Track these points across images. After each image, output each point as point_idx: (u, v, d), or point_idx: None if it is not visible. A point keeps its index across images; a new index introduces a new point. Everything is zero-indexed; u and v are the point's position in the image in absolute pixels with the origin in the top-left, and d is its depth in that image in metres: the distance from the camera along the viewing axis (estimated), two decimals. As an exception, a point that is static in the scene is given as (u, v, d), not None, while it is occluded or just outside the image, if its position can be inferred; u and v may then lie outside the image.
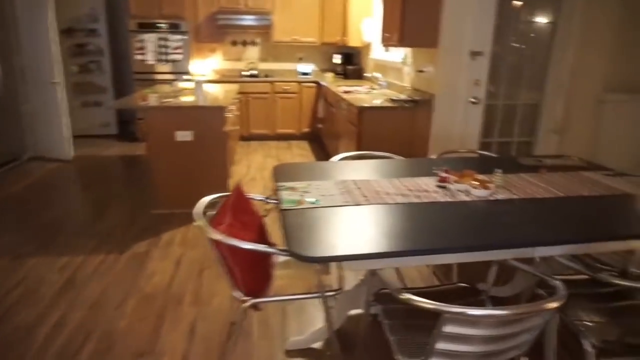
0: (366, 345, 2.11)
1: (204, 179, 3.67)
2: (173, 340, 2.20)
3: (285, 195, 1.92)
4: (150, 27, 5.86)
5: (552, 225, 1.67)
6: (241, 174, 4.83)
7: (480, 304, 1.76)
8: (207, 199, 1.95)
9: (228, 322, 2.30)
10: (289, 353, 2.12)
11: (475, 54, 3.60)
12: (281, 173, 2.24)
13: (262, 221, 2.09)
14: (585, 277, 1.95)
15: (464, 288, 1.88)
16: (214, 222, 1.82)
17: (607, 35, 3.56)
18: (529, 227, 1.65)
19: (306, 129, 6.51)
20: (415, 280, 2.75)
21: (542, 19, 3.83)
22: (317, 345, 2.16)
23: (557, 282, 1.36)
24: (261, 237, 2.00)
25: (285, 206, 1.79)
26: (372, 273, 1.72)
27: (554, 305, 1.23)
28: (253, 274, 1.84)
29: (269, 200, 2.16)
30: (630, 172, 2.45)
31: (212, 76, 6.44)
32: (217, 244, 1.71)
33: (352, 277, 2.23)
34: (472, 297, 1.81)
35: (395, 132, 3.87)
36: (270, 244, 1.93)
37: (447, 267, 2.77)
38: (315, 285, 1.79)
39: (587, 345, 1.63)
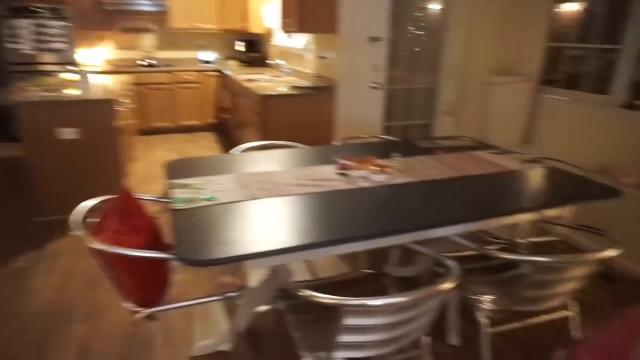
0: (273, 342, 2.05)
1: (95, 179, 3.35)
2: (61, 362, 1.97)
3: (177, 193, 1.77)
4: (24, 12, 5.20)
5: (446, 207, 1.71)
6: (141, 172, 4.50)
7: (384, 289, 1.77)
8: (87, 204, 1.75)
9: (126, 336, 2.11)
10: (195, 358, 1.99)
11: (373, 40, 3.65)
12: (175, 169, 2.08)
13: (155, 224, 1.93)
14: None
15: (368, 274, 1.88)
16: (97, 229, 1.64)
17: (492, 22, 3.80)
18: (425, 210, 1.68)
19: (211, 120, 6.25)
20: (325, 268, 2.73)
21: (434, 6, 3.98)
22: (225, 347, 2.06)
23: (451, 262, 1.39)
24: (154, 241, 1.83)
25: (175, 206, 1.65)
26: (274, 269, 1.65)
27: (447, 286, 1.25)
28: (146, 283, 1.69)
29: (161, 200, 2.00)
30: (515, 148, 2.63)
31: (103, 67, 5.91)
32: (100, 253, 1.54)
33: (257, 274, 2.15)
34: (376, 283, 1.82)
35: (300, 120, 3.82)
36: (166, 248, 1.78)
37: (354, 253, 2.79)
38: (217, 287, 1.68)
39: (482, 317, 1.71)
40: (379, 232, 1.51)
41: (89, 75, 4.51)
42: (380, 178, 1.95)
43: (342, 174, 2.02)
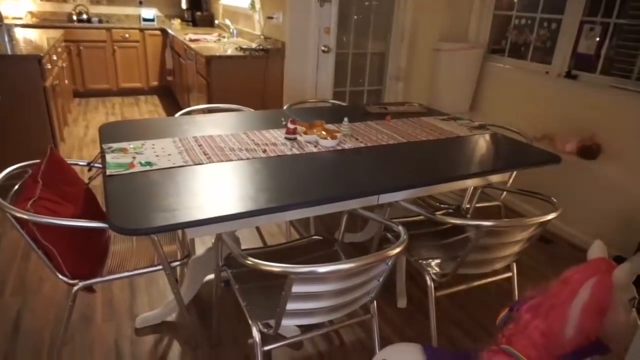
0: (221, 311, 2.00)
1: (23, 145, 3.08)
2: (-10, 340, 1.83)
3: (111, 158, 1.64)
4: None
5: (394, 173, 1.70)
6: (77, 137, 4.21)
7: (334, 256, 1.75)
8: (7, 170, 1.59)
9: (63, 310, 1.99)
10: (140, 331, 1.91)
11: (323, 1, 3.53)
12: (111, 133, 1.93)
13: (88, 192, 1.79)
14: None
15: (318, 240, 1.86)
16: (21, 198, 1.49)
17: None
18: (373, 175, 1.65)
19: (155, 83, 5.91)
20: (275, 235, 2.70)
21: (385, -33, 3.88)
22: (171, 318, 1.99)
23: (399, 228, 1.38)
24: (87, 209, 1.71)
25: (110, 171, 1.53)
26: (219, 237, 1.58)
27: (395, 251, 1.24)
28: (79, 254, 1.57)
29: (94, 165, 1.86)
30: (463, 115, 2.66)
31: (28, 20, 5.39)
32: (24, 224, 1.40)
33: (203, 243, 2.08)
34: (326, 249, 1.80)
35: (248, 83, 3.67)
36: (102, 217, 1.66)
37: (304, 219, 2.77)
38: (160, 257, 1.59)
39: (429, 280, 1.74)
40: (327, 198, 1.47)
41: (12, 29, 4.11)
42: (328, 143, 1.90)
43: (290, 139, 1.95)
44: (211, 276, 2.04)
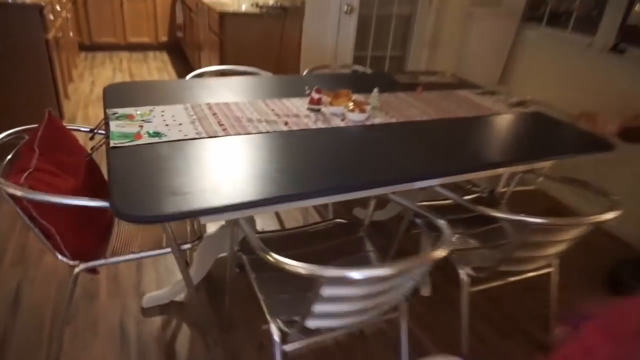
0: (233, 291, 1.87)
1: (23, 103, 2.90)
2: (-13, 313, 1.72)
3: (116, 127, 1.46)
4: None
5: (430, 155, 1.51)
6: (83, 94, 4.01)
7: (359, 243, 1.60)
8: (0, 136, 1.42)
9: (65, 284, 1.87)
10: (146, 311, 1.80)
11: (349, -45, 3.23)
12: (116, 95, 1.75)
13: (90, 162, 1.63)
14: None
15: (340, 225, 1.70)
16: (15, 169, 1.33)
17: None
18: (407, 158, 1.46)
19: (164, 38, 5.64)
20: (291, 212, 2.54)
21: None
22: (180, 298, 1.87)
23: (442, 222, 1.21)
24: (89, 182, 1.55)
25: (115, 142, 1.35)
26: (235, 222, 1.42)
27: (441, 254, 1.07)
28: (80, 232, 1.43)
29: (98, 132, 1.68)
30: (490, 86, 2.43)
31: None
32: (18, 199, 1.25)
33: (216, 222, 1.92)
34: (350, 235, 1.64)
35: (263, 43, 3.43)
36: (106, 190, 1.50)
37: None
38: (167, 238, 1.44)
39: (463, 275, 1.59)
40: (357, 185, 1.29)
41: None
42: (357, 117, 1.70)
43: (315, 110, 1.76)
44: (224, 254, 1.90)
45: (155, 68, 5.02)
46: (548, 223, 1.30)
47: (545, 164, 1.90)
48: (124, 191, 1.12)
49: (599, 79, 2.83)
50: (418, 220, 1.77)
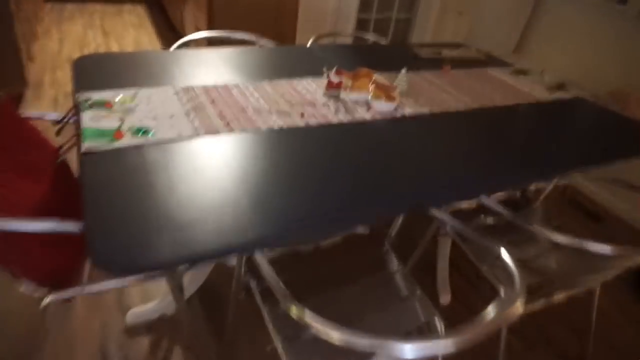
0: (237, 325, 1.62)
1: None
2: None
3: (89, 120, 1.15)
4: None
5: (478, 162, 1.25)
6: (51, 54, 3.56)
7: (384, 260, 1.36)
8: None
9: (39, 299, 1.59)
10: (131, 330, 1.54)
11: None
12: (88, 73, 1.41)
13: (62, 160, 1.31)
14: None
15: (362, 236, 1.45)
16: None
17: None
18: (453, 169, 1.20)
19: (141, -11, 5.10)
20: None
21: None
22: (171, 312, 1.61)
23: (507, 258, 0.97)
24: (59, 187, 1.24)
25: (87, 145, 1.05)
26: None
27: (517, 312, 0.84)
28: (46, 252, 1.14)
29: (69, 121, 1.36)
30: (507, 58, 2.15)
31: None
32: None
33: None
34: (374, 251, 1.39)
35: (257, 3, 3.03)
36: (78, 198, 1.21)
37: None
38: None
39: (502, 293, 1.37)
40: (396, 211, 1.03)
41: None
42: (385, 106, 1.42)
43: (333, 96, 1.46)
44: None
45: (130, 24, 4.53)
46: (619, 254, 1.08)
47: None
48: (101, 225, 0.83)
49: (632, 52, 2.57)
50: (449, 227, 1.53)
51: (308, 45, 2.02)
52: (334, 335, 0.76)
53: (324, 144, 1.20)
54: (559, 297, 1.45)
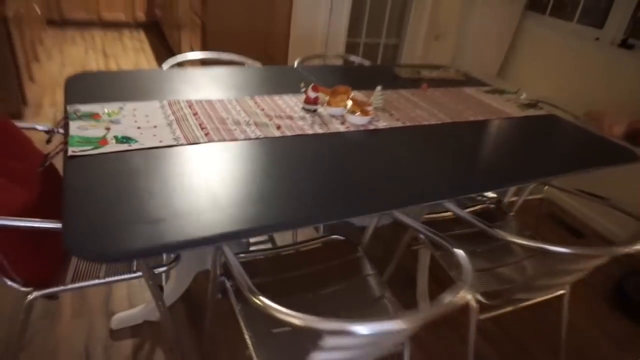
0: (215, 322, 1.67)
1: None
2: None
3: (77, 128, 1.23)
4: None
5: (444, 170, 1.32)
6: (51, 76, 3.69)
7: (358, 265, 1.41)
8: None
9: (24, 300, 1.64)
10: (116, 334, 1.59)
11: None
12: (80, 88, 1.50)
13: (49, 168, 1.39)
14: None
15: (338, 242, 1.51)
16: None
17: None
18: (420, 175, 1.28)
19: (141, 16, 5.28)
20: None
21: None
22: (155, 317, 1.66)
23: (461, 255, 1.03)
24: (45, 194, 1.31)
25: (73, 149, 1.13)
26: (218, 247, 1.22)
27: (463, 299, 0.90)
28: (33, 255, 1.20)
29: (59, 131, 1.44)
30: (491, 81, 2.25)
31: None
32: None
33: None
34: (348, 255, 1.45)
35: (250, 27, 3.17)
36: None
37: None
38: (138, 262, 1.23)
39: (471, 301, 1.43)
40: (364, 209, 1.10)
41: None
42: (359, 121, 1.50)
43: (310, 110, 1.55)
44: (205, 267, 1.69)
45: (131, 48, 4.68)
46: (578, 254, 1.14)
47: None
48: (79, 218, 0.90)
49: (606, 75, 2.68)
50: (421, 236, 1.59)
51: (295, 65, 2.13)
52: (294, 320, 0.82)
53: (298, 154, 1.27)
54: (526, 301, 1.51)
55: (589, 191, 1.59)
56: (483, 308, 1.44)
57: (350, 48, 3.48)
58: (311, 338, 0.87)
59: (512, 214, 1.82)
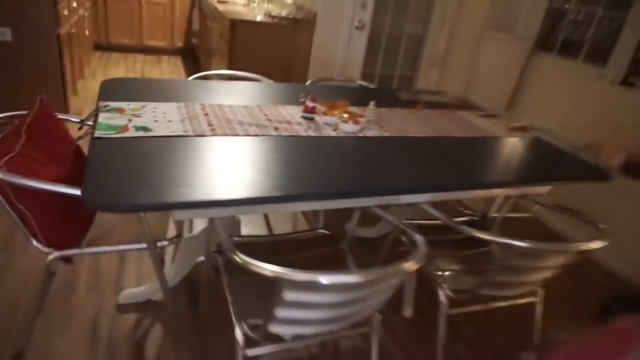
0: (213, 297, 1.84)
1: (29, 93, 2.94)
2: (-36, 297, 1.71)
3: (104, 118, 1.46)
4: None
5: (420, 171, 1.48)
6: (92, 91, 4.06)
7: (339, 255, 1.56)
8: (-10, 118, 1.43)
9: (46, 274, 1.86)
10: (122, 308, 1.77)
11: (363, -28, 3.26)
12: (112, 90, 1.76)
13: (77, 152, 1.63)
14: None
15: (325, 235, 1.67)
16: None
17: (494, -31, 3.45)
18: (396, 172, 1.44)
19: (180, 44, 5.72)
20: (281, 220, 2.52)
21: (434, -57, 3.57)
22: (157, 297, 1.84)
23: (418, 237, 1.18)
24: (74, 172, 1.54)
25: (99, 133, 1.35)
26: (212, 221, 1.41)
27: (410, 267, 1.04)
28: (57, 221, 1.42)
29: (87, 123, 1.69)
30: (499, 110, 2.40)
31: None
32: (-4, 181, 1.24)
33: (198, 224, 1.91)
34: (331, 246, 1.61)
35: (272, 54, 3.45)
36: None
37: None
38: (147, 234, 1.42)
39: (442, 296, 1.54)
40: (339, 193, 1.27)
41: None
42: (349, 128, 1.69)
43: (308, 118, 1.75)
44: (201, 258, 1.87)
45: (167, 71, 5.08)
46: (530, 247, 1.26)
47: (541, 190, 1.86)
48: (98, 179, 1.11)
49: (608, 111, 2.79)
50: (404, 238, 1.73)
51: (305, 84, 2.35)
52: (266, 271, 0.98)
53: (289, 149, 1.46)
54: (499, 301, 1.61)
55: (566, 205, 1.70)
56: (455, 305, 1.55)
57: (367, 77, 3.71)
58: (277, 294, 1.03)
59: (495, 227, 1.94)
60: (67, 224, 1.45)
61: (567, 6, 3.24)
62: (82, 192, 1.05)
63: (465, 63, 3.61)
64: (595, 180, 1.70)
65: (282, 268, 0.97)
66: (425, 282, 2.14)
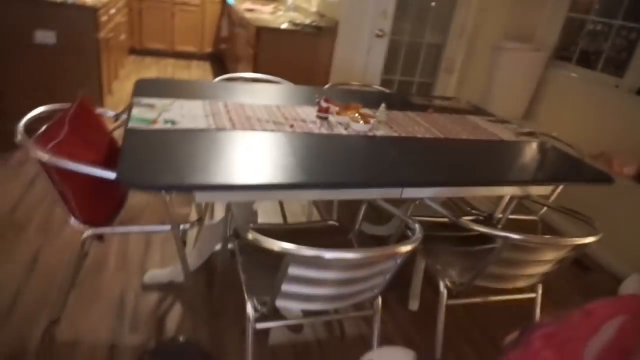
0: (229, 282, 1.98)
1: (69, 91, 3.16)
2: (8, 269, 1.89)
3: (137, 112, 1.63)
4: None
5: (422, 167, 1.59)
6: (126, 91, 4.30)
7: (346, 244, 1.68)
8: (38, 110, 1.60)
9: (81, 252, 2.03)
10: (146, 287, 1.93)
11: (384, -18, 3.39)
12: (145, 88, 1.93)
13: (112, 141, 1.80)
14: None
15: (334, 227, 1.79)
16: (44, 138, 1.50)
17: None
18: (399, 167, 1.55)
19: (209, 49, 5.96)
20: (297, 215, 2.65)
21: (456, -45, 3.67)
22: (179, 279, 1.99)
23: (416, 225, 1.28)
24: (109, 159, 1.71)
25: (132, 124, 1.51)
26: (230, 207, 1.54)
27: (405, 248, 1.15)
28: (94, 201, 1.58)
29: (121, 116, 1.86)
30: (515, 119, 2.48)
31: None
32: (42, 163, 1.41)
33: (219, 210, 2.06)
34: (340, 237, 1.73)
35: (296, 59, 3.61)
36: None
37: (328, 203, 2.70)
38: (172, 217, 1.57)
39: (442, 286, 1.64)
40: (344, 183, 1.39)
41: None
42: (359, 127, 1.81)
43: (322, 118, 1.88)
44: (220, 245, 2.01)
45: (196, 75, 5.31)
46: (523, 239, 1.35)
47: (543, 192, 1.93)
48: (131, 163, 1.26)
49: (623, 120, 2.82)
50: (410, 234, 1.83)
51: (323, 88, 2.48)
52: (275, 246, 1.10)
53: (303, 145, 1.59)
54: (498, 294, 1.69)
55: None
56: (455, 296, 1.64)
57: (386, 83, 3.82)
58: (283, 269, 1.15)
59: (499, 226, 2.02)
60: (101, 204, 1.62)
61: (586, 17, 3.28)
62: (117, 173, 1.20)
63: (484, 72, 3.68)
64: (598, 182, 1.76)
65: (289, 244, 1.10)
66: (432, 280, 2.23)
